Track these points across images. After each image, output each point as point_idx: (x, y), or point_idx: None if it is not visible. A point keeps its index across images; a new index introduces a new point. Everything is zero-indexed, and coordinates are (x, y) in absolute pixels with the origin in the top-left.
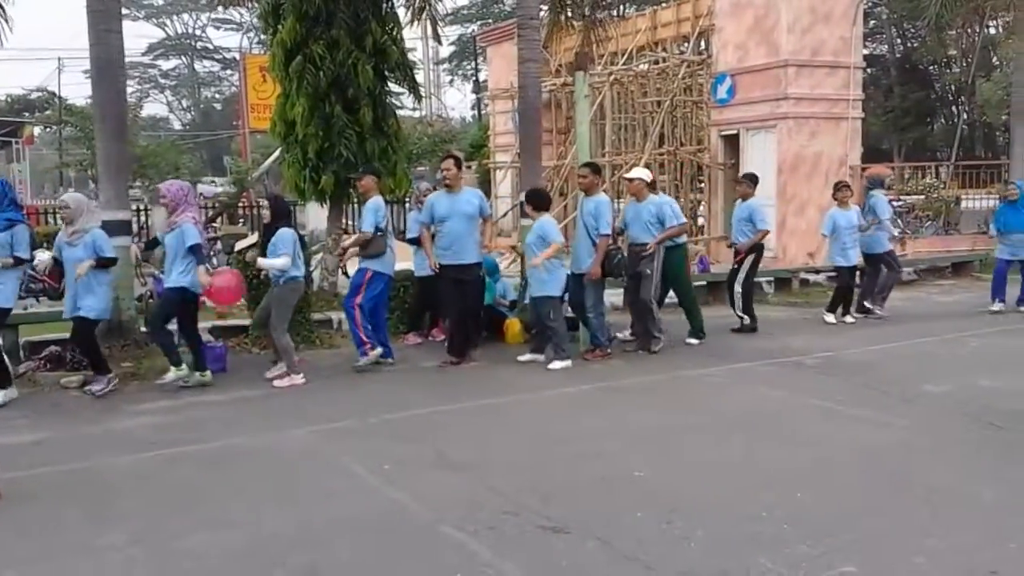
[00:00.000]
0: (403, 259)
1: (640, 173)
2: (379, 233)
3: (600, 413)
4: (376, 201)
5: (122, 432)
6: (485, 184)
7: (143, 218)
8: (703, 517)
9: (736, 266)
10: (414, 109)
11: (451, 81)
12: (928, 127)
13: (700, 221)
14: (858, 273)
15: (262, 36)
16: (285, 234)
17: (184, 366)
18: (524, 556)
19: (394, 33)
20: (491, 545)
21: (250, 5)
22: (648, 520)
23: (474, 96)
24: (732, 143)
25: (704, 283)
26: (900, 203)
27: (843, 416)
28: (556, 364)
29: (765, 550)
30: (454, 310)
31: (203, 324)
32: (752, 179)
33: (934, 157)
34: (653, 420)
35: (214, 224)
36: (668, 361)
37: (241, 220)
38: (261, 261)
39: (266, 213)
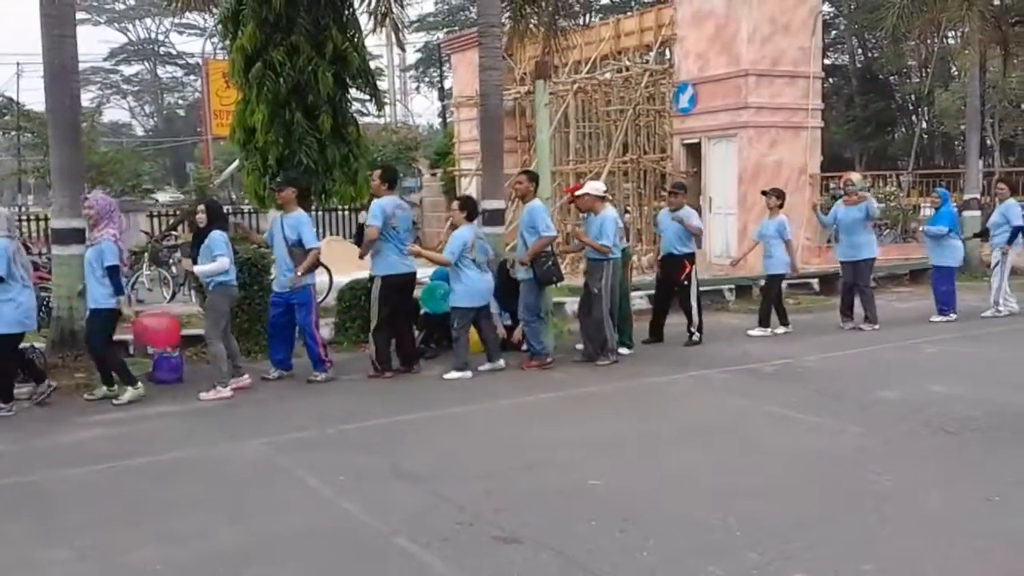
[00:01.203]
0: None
1: (588, 188)
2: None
3: (558, 422)
4: (305, 215)
5: (72, 445)
6: (451, 192)
7: None
8: (656, 525)
9: (686, 282)
10: (378, 116)
11: (417, 88)
12: (889, 136)
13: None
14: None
15: (225, 42)
16: (218, 236)
17: (140, 384)
18: (477, 567)
19: (355, 40)
20: (444, 557)
21: (211, 10)
22: (602, 529)
23: (440, 103)
24: (694, 152)
25: None
26: None
27: (798, 423)
28: (453, 375)
29: (716, 558)
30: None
31: None
32: (682, 187)
33: (895, 166)
34: (610, 428)
35: (174, 232)
36: (628, 369)
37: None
38: (198, 268)
39: (201, 217)
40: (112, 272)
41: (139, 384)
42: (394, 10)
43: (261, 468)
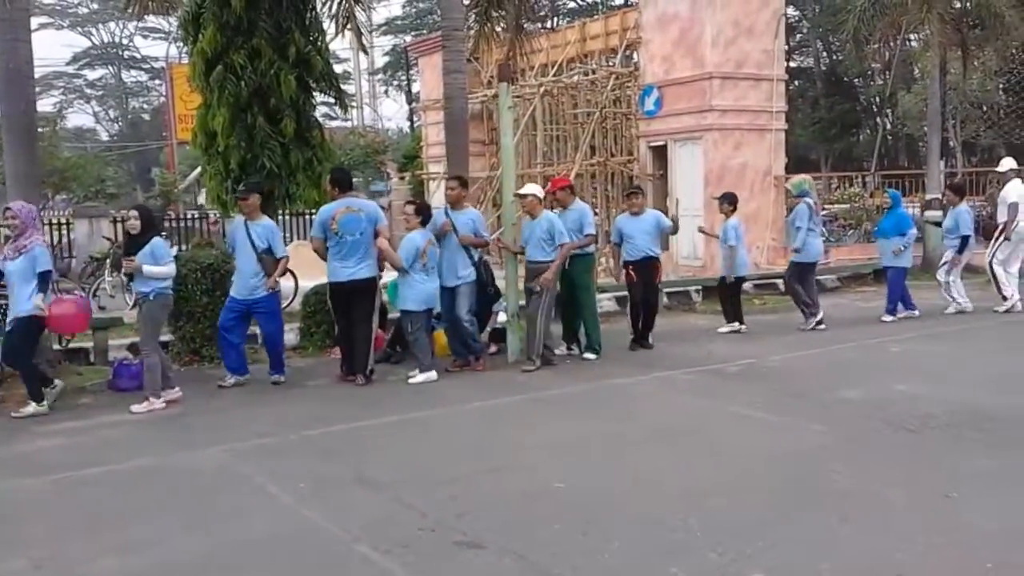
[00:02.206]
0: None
1: (532, 189)
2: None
3: (522, 425)
4: (272, 223)
5: (30, 454)
6: (419, 195)
7: (63, 233)
8: (619, 527)
9: (659, 283)
10: (346, 119)
11: (386, 91)
12: (854, 138)
13: None
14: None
15: (186, 46)
16: (161, 242)
17: (46, 403)
18: (437, 574)
19: (318, 43)
20: (405, 563)
21: (174, 13)
22: (565, 532)
23: (408, 107)
24: (660, 154)
25: None
26: (825, 212)
27: (761, 423)
28: (419, 378)
29: (677, 559)
30: None
31: (121, 341)
32: (639, 189)
33: (860, 167)
34: (575, 431)
35: None
36: (594, 370)
37: (163, 234)
38: (148, 268)
39: (135, 224)
40: (44, 277)
41: (44, 403)
42: (357, 14)
43: (221, 476)
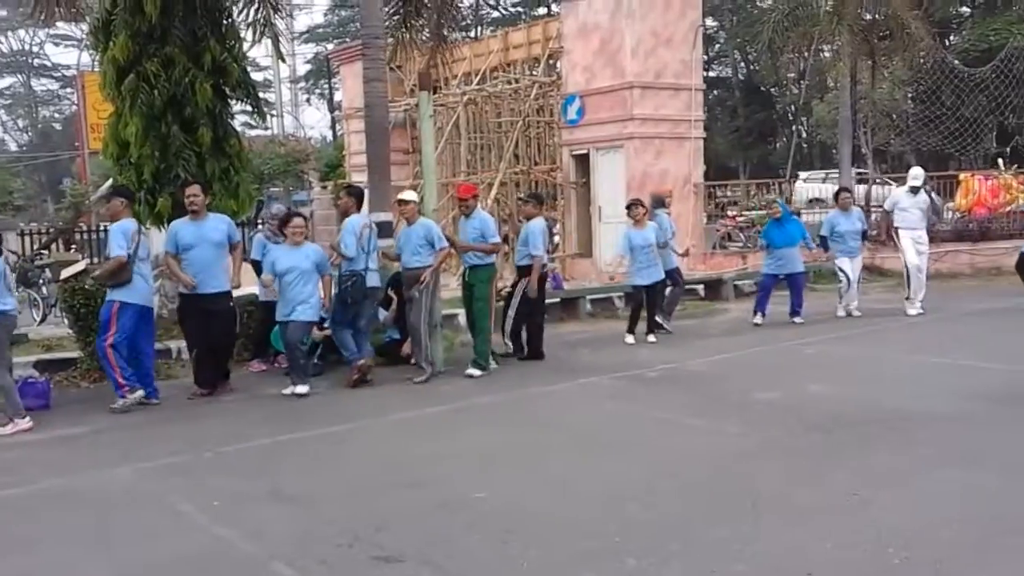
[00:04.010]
0: (249, 283)
1: (412, 196)
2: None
3: (443, 435)
4: (124, 224)
5: None
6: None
7: None
8: (538, 535)
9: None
10: (266, 128)
11: (308, 100)
12: (771, 145)
13: (556, 239)
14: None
15: (96, 53)
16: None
17: None
18: None
19: (235, 51)
20: None
21: (85, 19)
22: (483, 542)
23: (330, 115)
24: (583, 162)
25: (558, 300)
26: (743, 218)
27: (679, 426)
28: (300, 388)
29: (595, 564)
30: (200, 341)
31: (27, 358)
32: (534, 197)
33: (777, 174)
34: (496, 440)
35: (45, 251)
36: (515, 379)
37: (74, 247)
38: None
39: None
40: None
41: None
42: (275, 22)
43: (130, 495)
